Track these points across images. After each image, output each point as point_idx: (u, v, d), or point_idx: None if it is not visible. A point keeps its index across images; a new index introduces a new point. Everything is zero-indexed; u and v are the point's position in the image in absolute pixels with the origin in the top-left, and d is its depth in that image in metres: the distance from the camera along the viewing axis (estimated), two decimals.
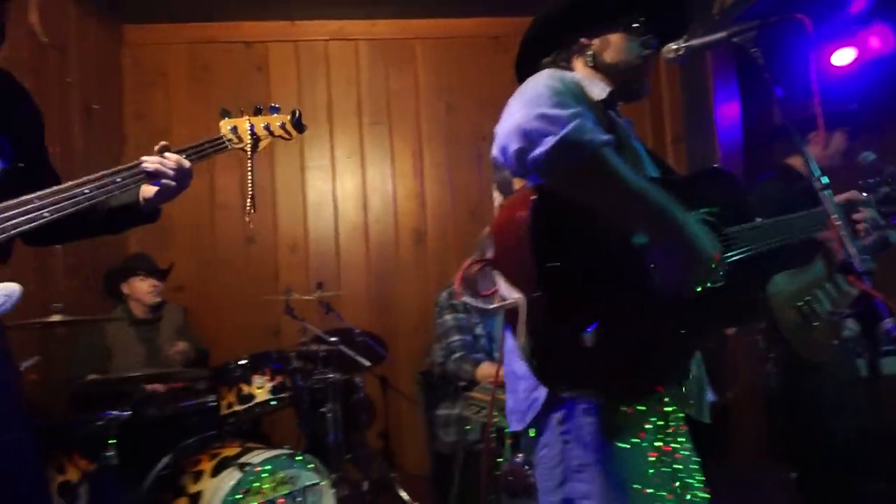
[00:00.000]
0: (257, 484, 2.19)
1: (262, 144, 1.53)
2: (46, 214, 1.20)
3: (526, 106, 1.01)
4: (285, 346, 3.26)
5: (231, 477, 2.13)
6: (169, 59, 3.68)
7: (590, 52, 1.29)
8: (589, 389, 1.08)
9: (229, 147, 1.48)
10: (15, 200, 1.19)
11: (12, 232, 1.18)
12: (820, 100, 1.43)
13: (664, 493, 1.17)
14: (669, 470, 1.19)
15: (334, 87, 3.75)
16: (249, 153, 1.48)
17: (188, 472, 2.26)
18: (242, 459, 2.20)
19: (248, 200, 1.46)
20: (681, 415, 1.24)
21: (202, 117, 3.68)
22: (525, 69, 1.35)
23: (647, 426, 1.14)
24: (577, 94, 1.12)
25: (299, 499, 2.32)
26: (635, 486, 1.09)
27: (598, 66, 1.29)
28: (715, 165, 1.33)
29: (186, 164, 1.37)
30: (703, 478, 1.24)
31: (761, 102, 3.28)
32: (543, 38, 1.34)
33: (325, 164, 3.73)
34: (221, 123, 1.49)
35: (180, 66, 3.69)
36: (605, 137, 1.00)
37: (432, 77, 3.81)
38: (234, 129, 1.49)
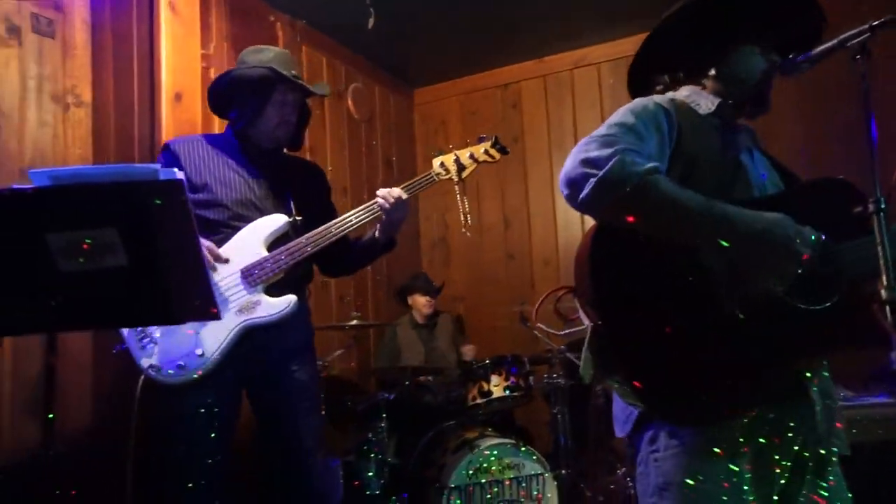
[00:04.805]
0: (486, 465, 2.64)
1: (467, 172, 1.91)
2: (309, 248, 1.78)
3: (576, 152, 1.12)
4: (536, 351, 3.67)
5: (463, 455, 2.63)
6: (446, 111, 4.50)
7: (707, 70, 1.28)
8: (657, 412, 1.13)
9: (437, 180, 1.90)
10: (292, 242, 1.79)
11: (291, 262, 1.76)
12: None
13: None
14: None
15: (579, 112, 4.01)
16: (456, 180, 1.90)
17: (440, 447, 2.86)
18: (476, 442, 2.68)
19: (463, 218, 1.89)
20: (818, 448, 1.16)
21: None
22: (639, 89, 1.37)
23: (742, 451, 1.11)
24: (654, 122, 1.16)
25: (524, 484, 2.69)
26: None
27: (714, 81, 1.28)
28: (828, 177, 1.19)
29: (403, 195, 1.82)
30: None
31: None
32: (659, 54, 1.34)
33: None
34: (433, 161, 1.92)
35: (454, 115, 4.47)
36: (649, 166, 1.05)
37: None
38: (442, 164, 1.91)
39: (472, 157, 1.90)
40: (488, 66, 4.27)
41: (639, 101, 1.22)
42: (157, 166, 1.11)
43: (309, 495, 1.77)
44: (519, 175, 4.19)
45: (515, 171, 4.20)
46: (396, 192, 1.81)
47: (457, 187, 1.89)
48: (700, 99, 1.28)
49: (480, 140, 1.91)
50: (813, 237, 1.08)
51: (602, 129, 1.15)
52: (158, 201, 1.12)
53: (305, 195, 1.95)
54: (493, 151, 1.90)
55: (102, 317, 1.24)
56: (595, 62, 3.97)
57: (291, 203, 1.89)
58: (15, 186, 1.11)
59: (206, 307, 1.22)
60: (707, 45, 1.29)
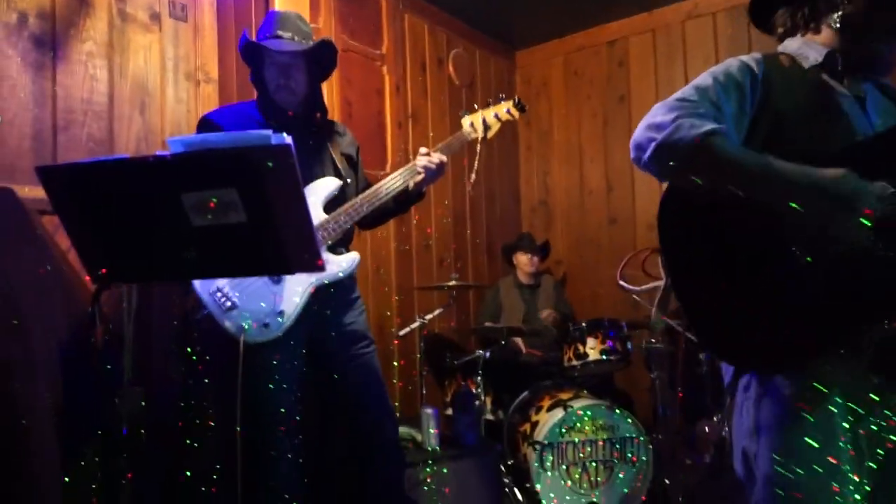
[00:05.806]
0: (579, 424, 2.68)
1: (492, 131, 2.02)
2: (365, 208, 1.89)
3: (647, 116, 1.16)
4: (637, 316, 3.60)
5: (557, 414, 2.69)
6: (549, 72, 4.41)
7: (831, 13, 1.20)
8: (729, 360, 1.17)
9: (469, 138, 2.00)
10: (348, 203, 1.89)
11: (350, 222, 1.88)
12: None
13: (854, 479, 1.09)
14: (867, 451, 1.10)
15: (691, 68, 3.77)
16: (481, 139, 2.00)
17: (534, 405, 2.93)
18: (569, 402, 2.73)
19: (473, 175, 1.99)
20: None
21: (574, 117, 4.29)
22: (763, 23, 1.33)
23: (835, 400, 1.09)
24: (735, 83, 1.16)
25: (618, 446, 2.70)
26: (809, 458, 1.08)
27: (834, 32, 1.20)
28: None
29: (444, 158, 1.93)
30: None
31: None
32: None
33: None
34: (463, 121, 2.01)
35: (557, 75, 4.38)
36: (707, 128, 1.07)
37: None
38: (472, 124, 2.00)
39: (496, 116, 1.98)
40: (593, 22, 4.12)
41: (729, 61, 1.21)
42: (270, 132, 1.24)
43: (375, 422, 1.90)
44: (624, 137, 4.02)
45: (620, 132, 4.06)
46: (437, 157, 1.93)
47: (479, 146, 2.00)
48: (810, 52, 1.22)
49: (501, 100, 2.01)
50: (877, 191, 1.02)
51: (679, 92, 1.18)
52: (270, 164, 1.26)
53: (341, 157, 2.05)
54: (514, 111, 2.00)
55: (227, 267, 1.43)
56: (710, 11, 3.70)
57: (337, 166, 2.00)
58: (158, 153, 1.30)
59: (313, 259, 1.36)
60: None
